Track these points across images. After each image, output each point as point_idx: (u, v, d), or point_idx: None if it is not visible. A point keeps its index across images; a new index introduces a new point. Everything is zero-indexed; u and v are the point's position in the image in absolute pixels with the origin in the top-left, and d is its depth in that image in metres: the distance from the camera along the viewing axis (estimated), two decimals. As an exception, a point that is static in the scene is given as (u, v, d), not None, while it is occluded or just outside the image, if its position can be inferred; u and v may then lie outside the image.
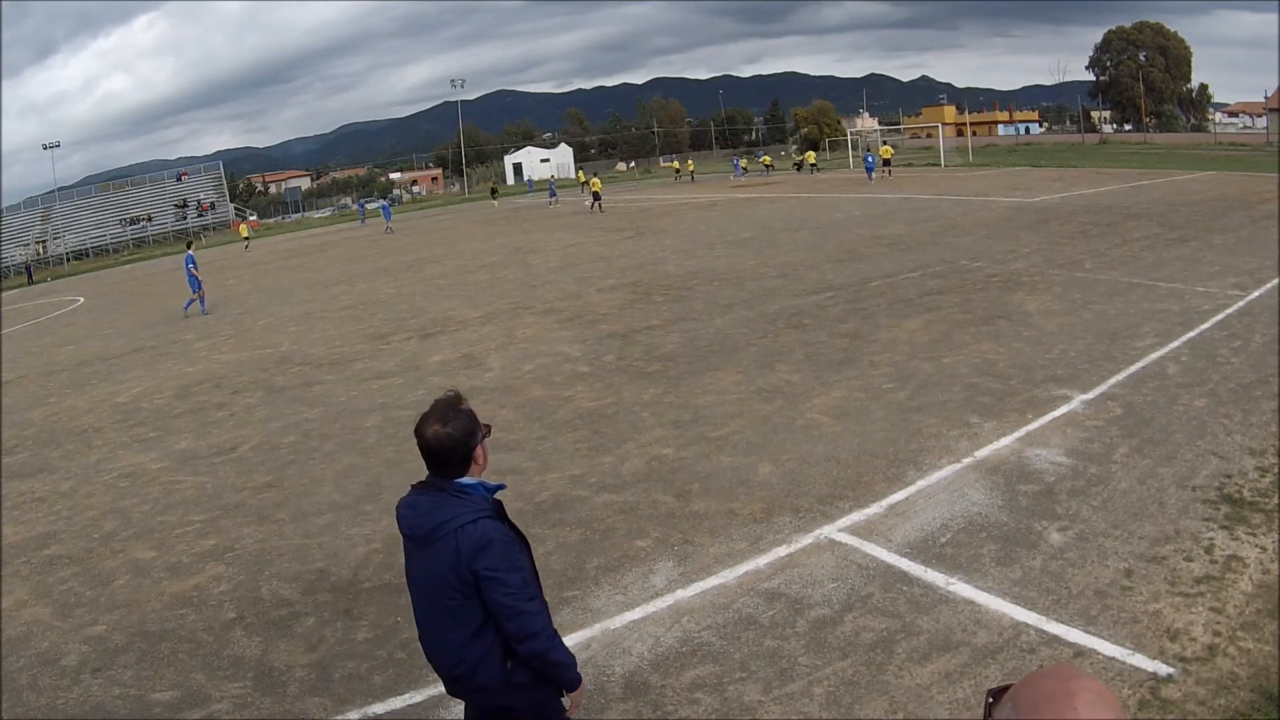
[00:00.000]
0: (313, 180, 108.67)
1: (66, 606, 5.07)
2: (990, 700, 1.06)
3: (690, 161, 61.19)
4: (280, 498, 6.47)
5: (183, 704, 3.95)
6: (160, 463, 7.72)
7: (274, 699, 3.93)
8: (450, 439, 2.43)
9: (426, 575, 2.48)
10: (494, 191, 54.87)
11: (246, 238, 40.48)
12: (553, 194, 43.81)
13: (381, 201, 55.51)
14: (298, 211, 76.91)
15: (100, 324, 19.35)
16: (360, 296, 17.06)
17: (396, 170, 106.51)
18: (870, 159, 38.60)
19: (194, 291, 17.87)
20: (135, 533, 6.10)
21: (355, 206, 62.92)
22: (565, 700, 2.59)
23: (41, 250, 56.69)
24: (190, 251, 19.25)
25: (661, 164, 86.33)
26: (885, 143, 45.94)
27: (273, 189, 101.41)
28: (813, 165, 47.68)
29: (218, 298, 20.83)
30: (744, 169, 53.45)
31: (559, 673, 2.49)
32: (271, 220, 69.81)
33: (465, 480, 2.48)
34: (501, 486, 2.63)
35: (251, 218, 69.10)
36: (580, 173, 53.81)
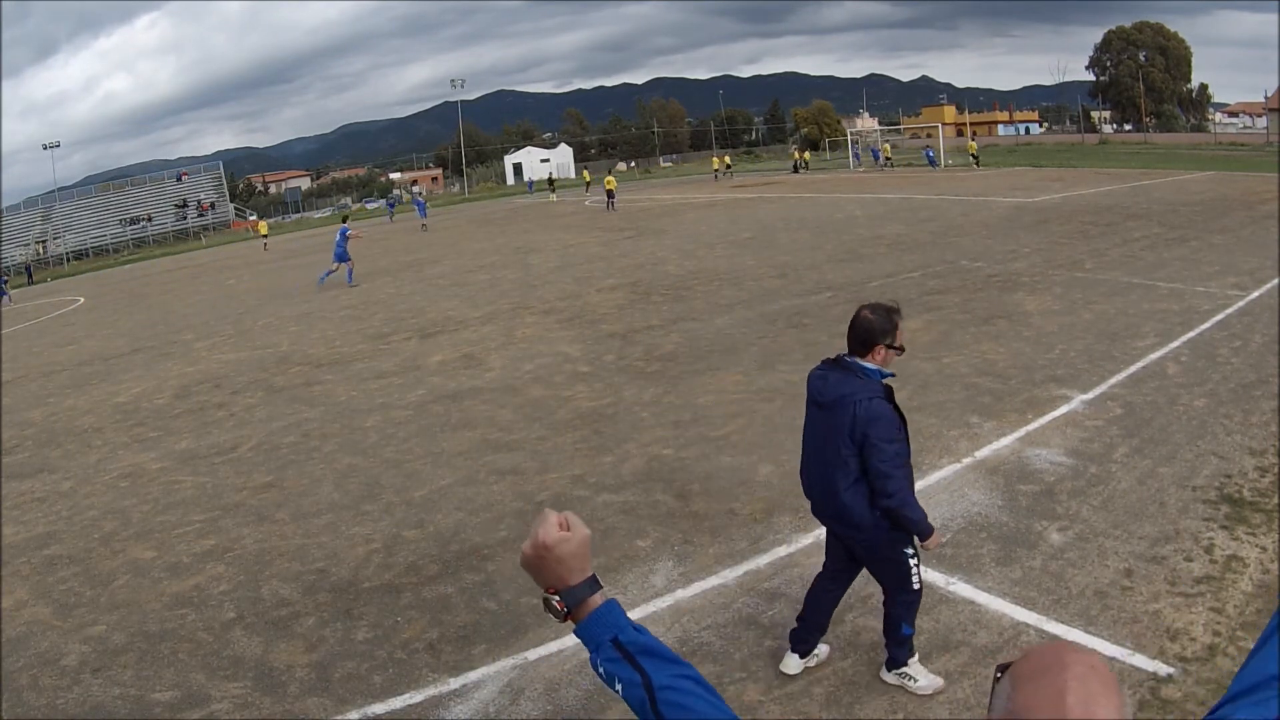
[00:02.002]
0: (313, 180, 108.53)
1: (66, 606, 5.08)
2: (997, 675, 1.08)
3: (726, 157, 59.37)
4: (280, 498, 6.47)
5: (183, 704, 3.95)
6: (160, 463, 7.72)
7: (274, 699, 3.93)
8: (868, 324, 3.15)
9: (824, 432, 3.28)
10: (551, 183, 52.99)
11: (265, 235, 39.48)
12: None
13: (417, 198, 52.03)
14: (298, 211, 76.88)
15: (100, 324, 19.36)
16: (360, 296, 17.05)
17: (396, 170, 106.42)
18: (930, 153, 41.16)
19: (339, 262, 18.81)
20: (135, 533, 6.10)
21: (384, 204, 59.55)
22: (918, 545, 3.34)
23: (41, 250, 56.69)
24: (346, 225, 19.72)
25: (662, 163, 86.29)
26: (973, 138, 46.26)
27: (273, 189, 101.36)
28: (888, 159, 45.61)
29: (218, 296, 20.85)
30: (888, 158, 45.23)
31: (911, 526, 3.24)
32: (271, 220, 69.71)
33: (866, 364, 3.19)
34: (892, 375, 3.29)
35: (251, 218, 69.00)
36: (586, 172, 52.63)
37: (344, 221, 20.50)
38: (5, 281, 25.70)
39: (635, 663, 1.20)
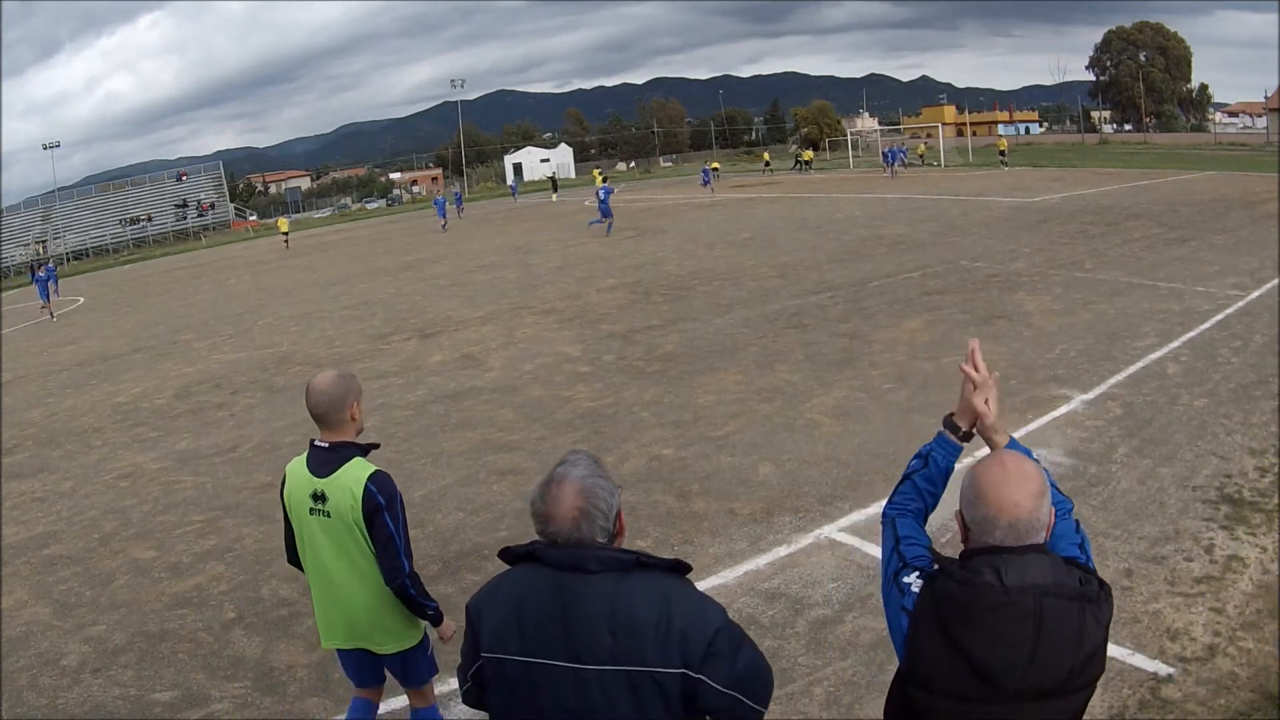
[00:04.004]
0: (313, 180, 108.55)
1: (66, 606, 5.07)
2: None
3: (766, 154, 57.63)
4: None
5: (183, 704, 3.94)
6: (160, 463, 7.72)
7: (274, 699, 3.92)
8: None
9: None
10: (554, 184, 51.85)
11: (286, 233, 38.41)
12: (706, 181, 38.08)
13: (437, 197, 45.36)
14: (298, 211, 76.87)
15: (100, 324, 19.36)
16: (360, 296, 17.06)
17: (396, 170, 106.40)
18: (889, 152, 38.86)
19: (605, 216, 22.84)
20: (135, 533, 6.10)
21: (454, 198, 54.30)
22: None
23: (41, 250, 56.69)
24: (608, 185, 25.12)
25: (662, 163, 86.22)
26: (1001, 136, 45.50)
27: (273, 189, 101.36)
28: (921, 157, 43.20)
29: (219, 296, 20.85)
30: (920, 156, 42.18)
31: None
32: (271, 220, 69.71)
33: None
34: None
35: (251, 218, 68.89)
36: (597, 171, 51.62)
37: (604, 182, 26.79)
38: (54, 272, 25.15)
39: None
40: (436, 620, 2.93)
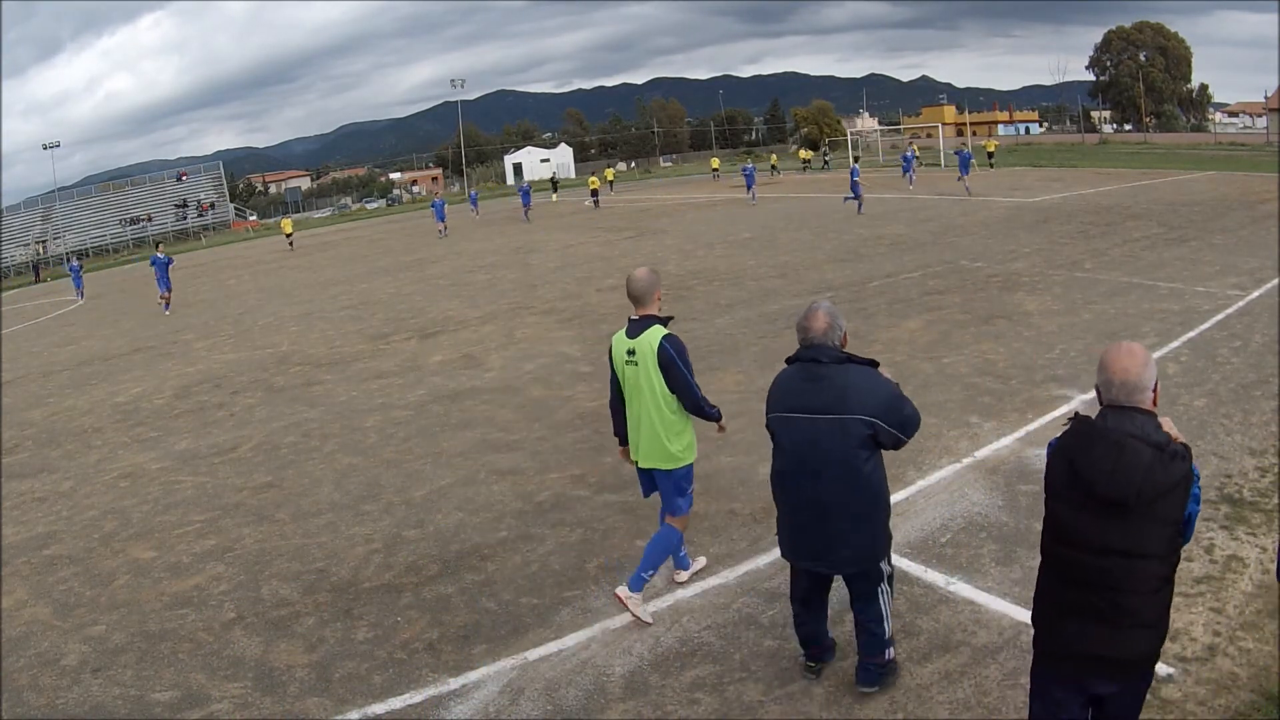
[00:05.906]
0: (312, 180, 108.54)
1: (66, 606, 5.07)
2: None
3: (803, 151, 55.41)
4: (280, 498, 6.47)
5: (183, 704, 3.94)
6: (160, 463, 7.72)
7: (274, 699, 3.92)
8: None
9: None
10: (554, 184, 51.66)
11: (289, 234, 37.83)
12: (750, 182, 31.73)
13: (436, 199, 41.72)
14: (298, 211, 76.92)
15: (100, 324, 19.36)
16: (360, 296, 17.06)
17: (396, 170, 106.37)
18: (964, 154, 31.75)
19: (856, 195, 23.18)
20: (135, 533, 6.10)
21: (470, 196, 47.64)
22: None
23: (41, 250, 56.70)
24: (856, 166, 25.77)
25: (662, 163, 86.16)
26: (991, 136, 44.83)
27: (273, 189, 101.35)
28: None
29: (218, 296, 20.85)
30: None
31: None
32: (272, 220, 69.73)
33: None
34: None
35: (251, 218, 68.87)
36: (610, 170, 50.78)
37: (854, 162, 29.05)
38: (170, 265, 19.90)
39: None
40: (718, 418, 4.23)
